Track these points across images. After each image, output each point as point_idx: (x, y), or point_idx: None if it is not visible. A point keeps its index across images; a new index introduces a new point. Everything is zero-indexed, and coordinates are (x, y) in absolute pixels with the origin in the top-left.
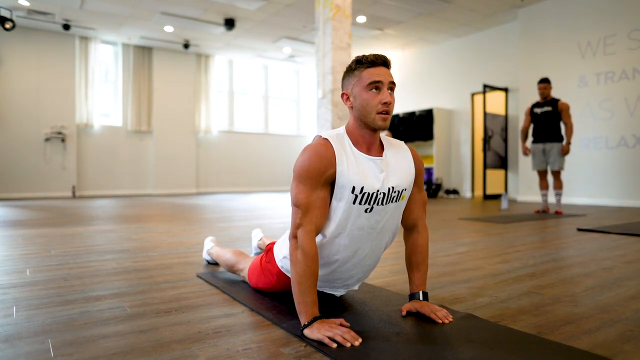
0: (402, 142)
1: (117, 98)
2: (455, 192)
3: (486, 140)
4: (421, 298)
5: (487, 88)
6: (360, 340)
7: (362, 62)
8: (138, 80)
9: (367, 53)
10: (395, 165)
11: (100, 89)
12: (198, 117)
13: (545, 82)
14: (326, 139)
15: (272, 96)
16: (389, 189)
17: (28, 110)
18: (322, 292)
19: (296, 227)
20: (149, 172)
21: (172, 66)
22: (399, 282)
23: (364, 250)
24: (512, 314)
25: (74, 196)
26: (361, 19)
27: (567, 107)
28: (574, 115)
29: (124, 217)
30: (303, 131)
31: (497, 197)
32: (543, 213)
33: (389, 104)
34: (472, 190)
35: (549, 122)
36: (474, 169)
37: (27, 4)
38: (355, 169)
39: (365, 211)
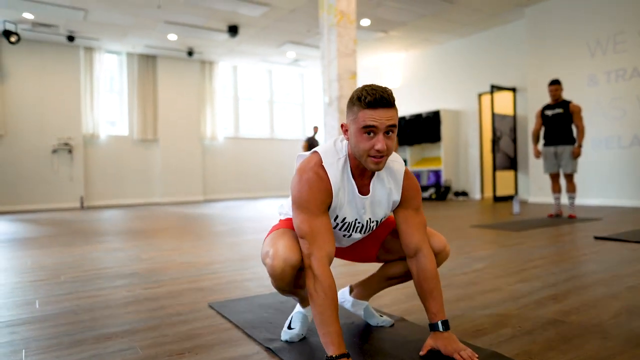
0: (399, 165)
1: (123, 107)
2: (464, 194)
3: (495, 141)
4: (441, 328)
5: (494, 88)
6: None
7: (360, 101)
8: (143, 88)
9: (368, 84)
10: (379, 198)
11: (105, 99)
12: (203, 124)
13: (556, 83)
14: (325, 170)
15: (277, 100)
16: (367, 220)
17: (35, 122)
18: None
19: (307, 257)
20: (155, 181)
21: (177, 74)
22: (418, 308)
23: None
24: (540, 350)
25: (82, 207)
26: (365, 22)
27: (578, 110)
28: (584, 115)
29: (133, 232)
30: (308, 134)
31: (507, 198)
32: (556, 217)
33: (381, 151)
34: (482, 191)
35: (560, 124)
36: (483, 170)
37: (31, 17)
38: (344, 202)
39: (344, 236)
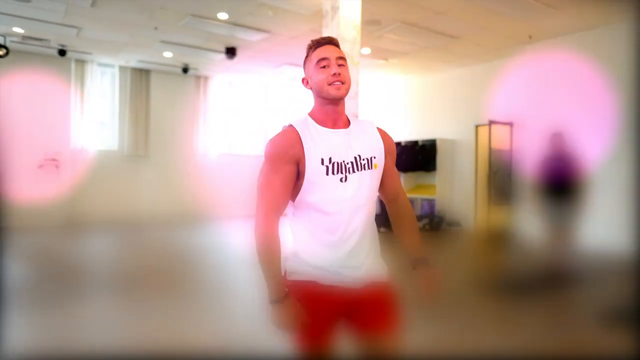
0: (370, 120)
1: (114, 122)
2: (458, 224)
3: (491, 176)
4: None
5: (492, 123)
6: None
7: (310, 47)
8: (135, 102)
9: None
10: (361, 135)
11: (96, 113)
12: (197, 139)
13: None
14: (290, 124)
15: (273, 117)
16: (356, 157)
17: (21, 136)
18: None
19: (256, 209)
20: (146, 198)
21: (171, 88)
22: None
23: (351, 224)
24: None
25: (67, 225)
26: (365, 50)
27: (579, 160)
28: None
29: (114, 284)
30: None
31: (501, 233)
32: (553, 270)
33: (338, 75)
34: (475, 222)
35: (561, 174)
36: (477, 202)
37: (21, 31)
38: (320, 143)
39: (341, 180)
